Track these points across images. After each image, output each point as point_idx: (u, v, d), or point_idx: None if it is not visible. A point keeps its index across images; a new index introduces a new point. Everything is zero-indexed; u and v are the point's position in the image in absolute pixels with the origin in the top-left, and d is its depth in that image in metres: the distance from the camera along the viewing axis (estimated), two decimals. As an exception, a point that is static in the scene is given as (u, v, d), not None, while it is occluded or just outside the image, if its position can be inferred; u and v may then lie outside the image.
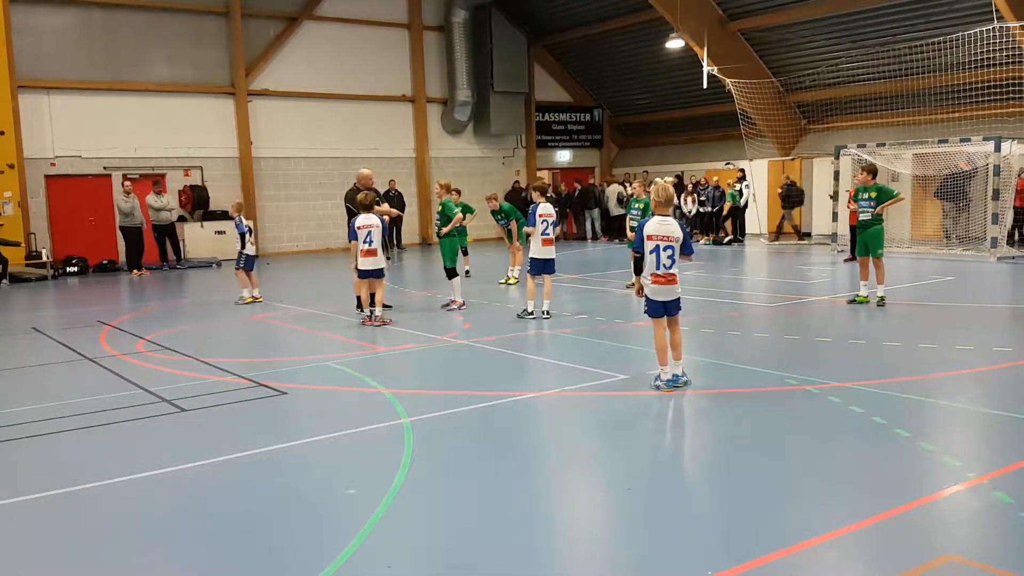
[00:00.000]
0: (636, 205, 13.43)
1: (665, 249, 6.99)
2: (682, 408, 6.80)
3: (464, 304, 11.92)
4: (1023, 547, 4.08)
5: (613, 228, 24.68)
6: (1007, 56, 16.62)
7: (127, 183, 19.62)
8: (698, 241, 21.99)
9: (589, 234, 25.70)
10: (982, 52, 16.72)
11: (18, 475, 5.62)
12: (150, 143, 21.10)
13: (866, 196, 11.30)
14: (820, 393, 6.91)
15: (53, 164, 20.05)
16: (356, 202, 10.94)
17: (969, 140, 17.27)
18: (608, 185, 25.87)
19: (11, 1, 18.94)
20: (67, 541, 4.53)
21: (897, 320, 10.36)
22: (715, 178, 23.56)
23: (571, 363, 8.40)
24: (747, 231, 23.03)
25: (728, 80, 21.23)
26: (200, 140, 21.86)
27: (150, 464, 5.60)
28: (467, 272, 15.63)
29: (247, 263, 13.39)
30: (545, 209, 10.80)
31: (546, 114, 28.05)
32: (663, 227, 7.01)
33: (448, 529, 4.52)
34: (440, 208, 12.44)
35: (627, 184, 24.00)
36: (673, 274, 7.04)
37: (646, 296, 7.16)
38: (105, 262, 19.81)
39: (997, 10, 16.26)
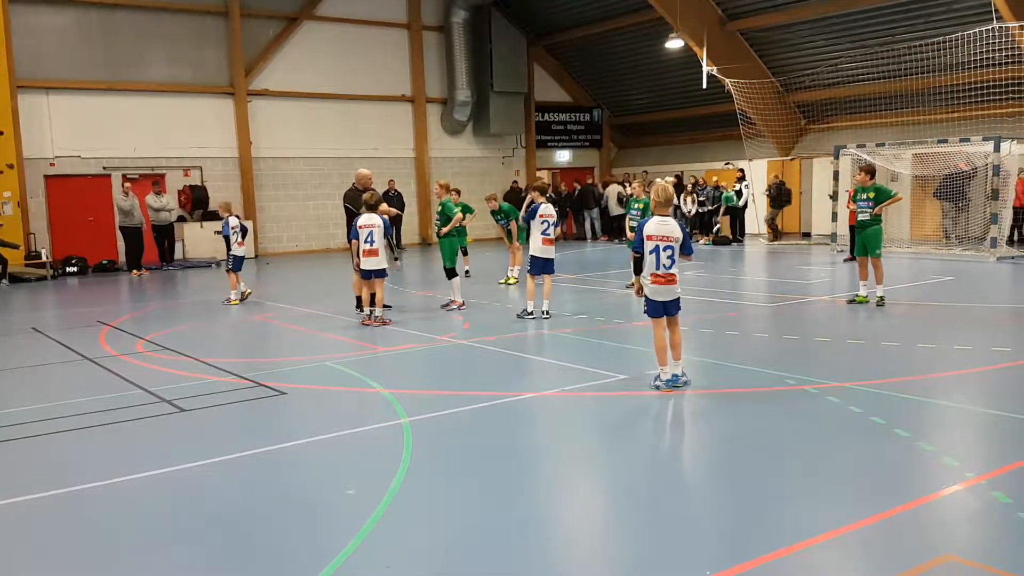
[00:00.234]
0: (636, 205, 13.44)
1: (665, 249, 6.99)
2: (681, 408, 6.81)
3: (464, 304, 11.92)
4: (1022, 547, 4.08)
5: (612, 228, 24.68)
6: (1006, 56, 16.63)
7: (126, 183, 19.63)
8: (697, 241, 21.99)
9: (588, 234, 25.70)
10: (981, 52, 16.73)
11: (18, 475, 5.62)
12: (149, 143, 21.10)
13: (864, 196, 11.31)
14: (819, 393, 6.91)
15: (52, 164, 20.05)
16: (357, 202, 10.95)
17: (968, 140, 17.28)
18: (607, 185, 25.88)
19: (11, 1, 18.94)
20: (67, 541, 4.53)
21: (896, 320, 10.36)
22: (715, 178, 23.57)
23: (571, 363, 8.40)
24: (747, 231, 23.03)
25: (727, 80, 21.23)
26: (200, 140, 21.86)
27: (150, 464, 5.60)
28: (467, 272, 15.63)
29: (234, 264, 13.44)
30: (546, 209, 10.80)
31: (545, 114, 28.06)
32: (663, 227, 7.01)
33: (447, 529, 4.52)
34: (440, 208, 12.44)
35: (626, 184, 24.01)
36: (673, 274, 7.05)
37: (646, 296, 7.16)
38: (105, 262, 19.83)
39: (996, 10, 16.27)
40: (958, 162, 18.22)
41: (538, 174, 27.31)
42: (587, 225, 25.76)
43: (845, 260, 16.58)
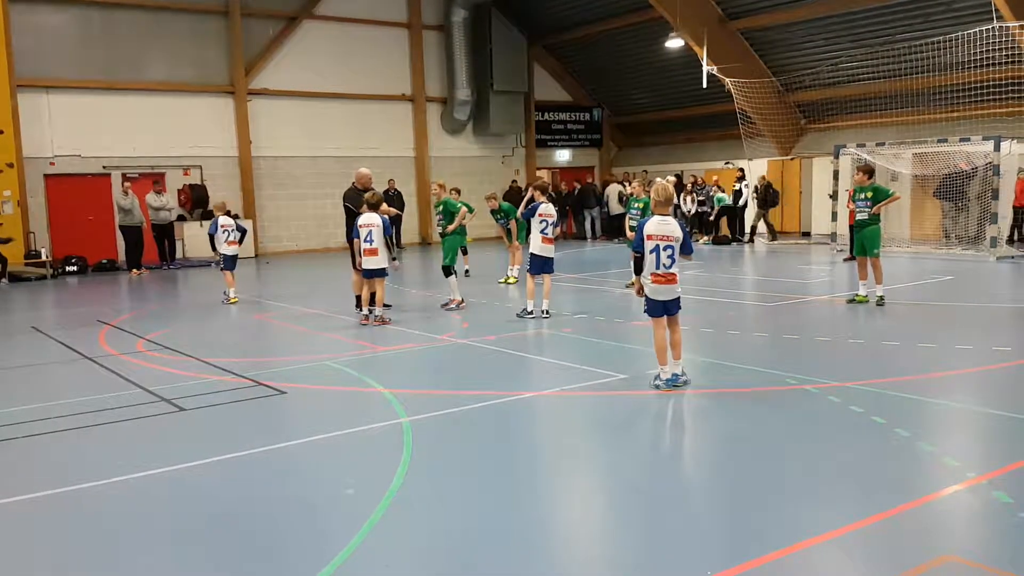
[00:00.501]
0: (636, 204, 13.44)
1: (665, 249, 6.99)
2: (682, 408, 6.80)
3: (463, 302, 11.91)
4: (1022, 547, 4.08)
5: (612, 227, 24.67)
6: (1006, 56, 16.63)
7: (126, 183, 19.63)
8: (697, 240, 21.99)
9: (588, 233, 25.70)
10: (981, 52, 16.73)
11: (17, 474, 5.62)
12: (149, 142, 21.08)
13: (863, 196, 11.33)
14: (819, 393, 6.91)
15: (52, 163, 20.03)
16: (356, 201, 10.94)
17: (969, 140, 17.27)
18: (608, 185, 25.88)
19: (10, 0, 18.93)
20: (66, 541, 4.52)
21: (896, 320, 10.36)
22: (715, 178, 23.57)
23: (571, 362, 8.40)
24: (746, 231, 23.00)
25: (727, 79, 21.23)
26: (199, 139, 21.85)
27: (150, 463, 5.59)
28: (467, 271, 15.63)
29: (225, 263, 13.52)
30: (546, 209, 10.79)
31: (545, 113, 28.05)
32: (663, 227, 7.01)
33: (447, 529, 4.52)
34: (440, 207, 12.35)
35: (626, 183, 24.00)
36: (673, 273, 7.04)
37: (646, 295, 7.16)
38: (104, 261, 19.82)
39: (996, 10, 16.26)
40: (958, 162, 18.21)
41: (538, 173, 27.29)
42: (587, 224, 25.76)
43: (845, 260, 16.56)
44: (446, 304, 12.01)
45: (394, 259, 10.85)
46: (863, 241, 11.23)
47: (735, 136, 22.81)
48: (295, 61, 23.16)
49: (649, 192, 9.43)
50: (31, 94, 19.49)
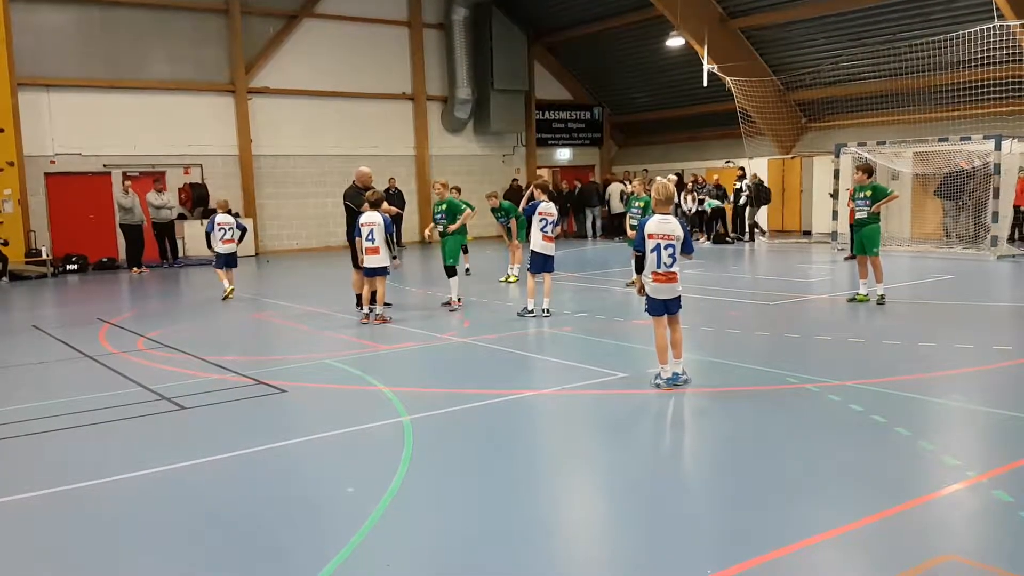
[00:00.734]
0: (636, 203, 13.43)
1: (666, 248, 6.98)
2: (682, 407, 6.80)
3: (460, 301, 11.86)
4: (1022, 546, 4.08)
5: (614, 226, 24.66)
6: (1007, 54, 16.62)
7: (127, 181, 19.62)
8: (698, 239, 21.98)
9: (589, 232, 25.69)
10: (982, 50, 16.73)
11: (17, 473, 5.62)
12: (150, 141, 21.09)
13: (862, 195, 11.34)
14: (820, 392, 6.91)
15: (53, 162, 20.04)
16: (357, 200, 10.94)
17: (969, 138, 17.26)
18: (609, 184, 25.88)
19: (11, -1, 18.96)
20: (66, 539, 4.52)
21: (897, 318, 10.35)
22: (715, 176, 23.56)
23: (571, 361, 8.40)
24: (745, 229, 22.99)
25: (728, 78, 21.23)
26: (200, 138, 21.85)
27: (150, 462, 5.59)
28: (467, 270, 15.63)
29: (216, 261, 13.67)
30: (546, 207, 10.79)
31: (546, 112, 28.05)
32: (664, 226, 7.01)
33: (447, 527, 4.52)
34: (444, 206, 12.19)
35: (627, 182, 24.00)
36: (674, 272, 7.04)
37: (647, 294, 7.16)
38: (105, 260, 19.83)
39: (997, 8, 16.26)
40: (960, 160, 18.20)
41: (538, 172, 27.29)
42: (588, 223, 25.76)
43: (846, 259, 16.55)
44: (446, 303, 11.98)
45: (395, 257, 10.85)
46: (863, 240, 11.24)
47: (736, 135, 22.80)
48: (295, 59, 23.16)
49: (650, 191, 9.43)
50: (32, 92, 19.49)
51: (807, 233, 23.32)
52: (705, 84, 21.34)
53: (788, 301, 12.00)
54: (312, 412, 7.04)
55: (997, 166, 16.68)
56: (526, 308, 10.87)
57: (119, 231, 19.70)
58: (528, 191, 13.71)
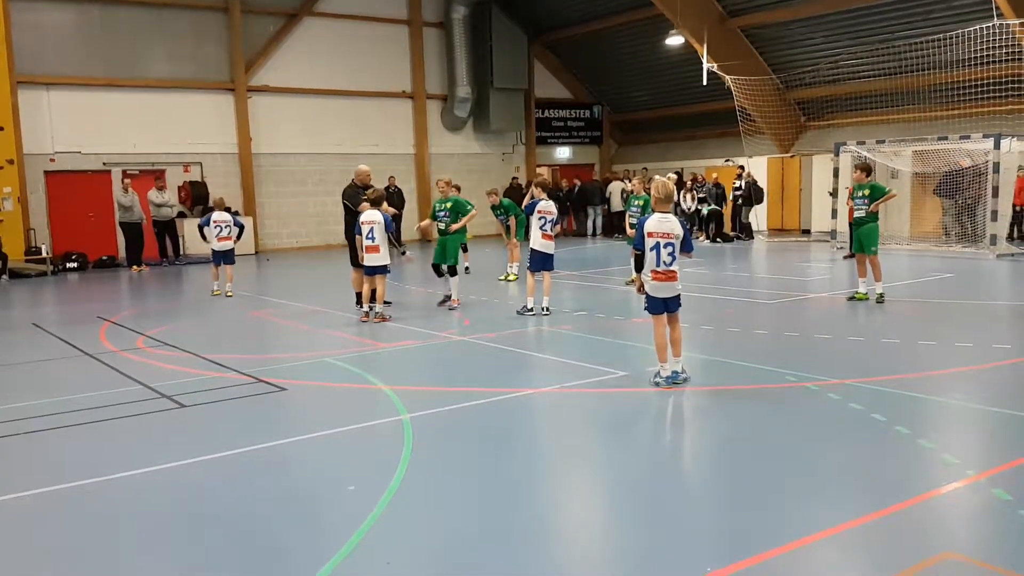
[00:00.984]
0: (636, 202, 13.43)
1: (666, 246, 6.99)
2: (681, 405, 6.81)
3: (449, 299, 11.80)
4: (1022, 545, 4.08)
5: (613, 225, 24.66)
6: (1007, 53, 16.61)
7: (126, 179, 19.61)
8: (697, 238, 21.98)
9: (590, 230, 25.69)
10: (982, 49, 16.72)
11: (17, 471, 5.62)
12: (150, 139, 21.09)
13: (860, 194, 11.36)
14: (819, 390, 6.91)
15: (52, 160, 20.04)
16: (356, 199, 10.94)
17: (969, 137, 17.27)
18: (609, 182, 25.87)
19: (11, -3, 18.95)
20: (65, 538, 4.53)
21: (896, 317, 10.36)
22: (715, 175, 23.56)
23: (571, 360, 8.41)
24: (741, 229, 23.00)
25: (728, 77, 21.23)
26: (200, 136, 21.85)
27: (149, 460, 5.60)
28: (467, 269, 15.62)
29: (214, 259, 13.72)
30: (545, 206, 10.80)
31: (546, 111, 28.04)
32: (663, 224, 7.01)
33: (447, 526, 4.53)
34: (449, 204, 12.07)
35: (627, 180, 23.99)
36: (673, 271, 7.05)
37: (646, 293, 7.16)
38: (104, 258, 19.83)
39: (997, 7, 16.25)
40: (960, 159, 18.20)
41: (538, 170, 27.27)
42: (589, 222, 25.76)
43: (845, 257, 16.56)
44: (445, 303, 11.94)
45: (404, 252, 10.91)
46: (861, 238, 11.25)
47: (735, 133, 22.80)
48: (295, 58, 23.15)
49: (649, 189, 9.44)
50: (31, 90, 19.48)
51: (806, 232, 23.32)
52: (704, 83, 21.33)
53: (787, 300, 12.00)
54: (312, 410, 7.05)
55: (996, 165, 16.68)
56: (525, 306, 10.87)
57: (119, 229, 19.69)
58: (529, 192, 13.69)
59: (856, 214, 11.39)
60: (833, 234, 19.39)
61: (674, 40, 22.04)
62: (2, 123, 18.43)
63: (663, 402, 6.85)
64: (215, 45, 22.09)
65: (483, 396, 7.07)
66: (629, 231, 13.05)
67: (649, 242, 7.03)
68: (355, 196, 11.13)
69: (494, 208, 14.99)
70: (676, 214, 11.15)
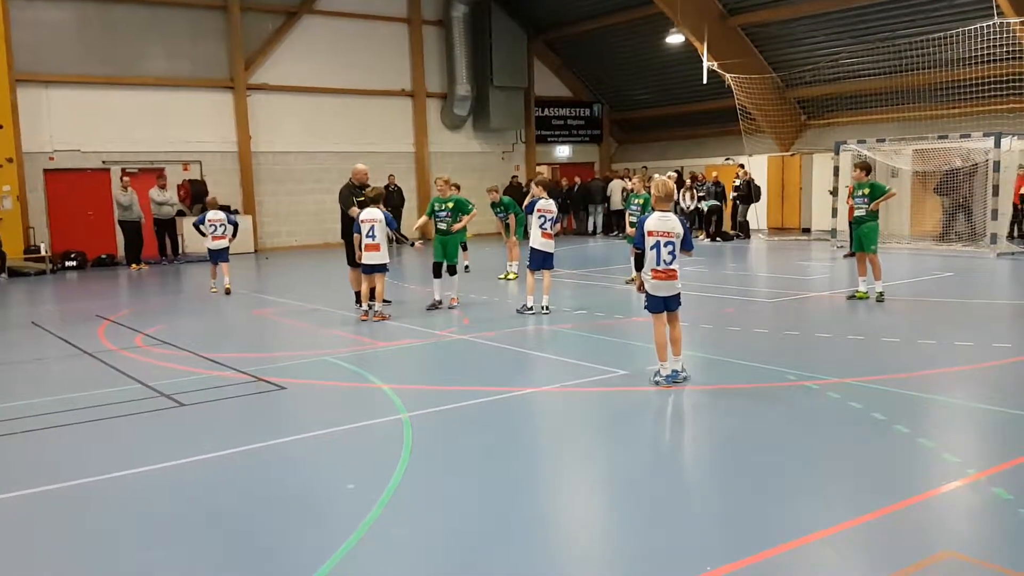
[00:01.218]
0: (636, 201, 13.42)
1: (666, 245, 6.98)
2: (681, 404, 6.80)
3: (443, 301, 11.65)
4: (1022, 544, 4.08)
5: (613, 223, 24.65)
6: (1007, 52, 16.61)
7: (125, 178, 19.60)
8: (697, 237, 21.96)
9: (591, 229, 25.67)
10: (982, 48, 16.71)
11: (15, 470, 5.61)
12: (149, 137, 21.07)
13: (860, 193, 11.35)
14: (819, 389, 6.91)
15: (52, 158, 20.02)
16: (348, 201, 11.00)
17: (969, 136, 17.26)
18: (610, 181, 25.85)
19: (10, -5, 18.92)
20: (64, 537, 4.52)
21: (896, 316, 10.35)
22: (714, 174, 23.54)
23: (571, 359, 8.40)
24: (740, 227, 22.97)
25: (728, 75, 21.22)
26: (199, 135, 21.83)
27: (148, 459, 5.59)
28: (467, 267, 15.61)
29: (211, 256, 13.80)
30: (544, 204, 10.78)
31: (545, 109, 28.02)
32: (664, 223, 7.00)
33: (447, 525, 4.52)
34: (451, 203, 11.94)
35: (626, 179, 23.97)
36: (673, 270, 7.04)
37: (646, 291, 7.15)
38: (104, 256, 19.81)
39: (997, 6, 16.24)
40: (952, 159, 18.20)
41: (538, 169, 27.26)
42: (590, 221, 25.74)
43: (845, 256, 16.54)
44: (435, 307, 11.70)
45: (412, 243, 10.97)
46: (861, 237, 11.24)
47: (735, 132, 22.79)
48: (294, 56, 23.13)
49: (649, 188, 9.42)
50: (30, 89, 19.46)
51: (806, 230, 23.31)
52: (705, 81, 21.32)
53: (787, 298, 12.00)
54: (311, 409, 7.04)
55: (997, 163, 16.67)
56: (525, 305, 10.86)
57: (118, 228, 19.67)
58: (530, 192, 13.66)
59: (856, 213, 11.38)
60: (833, 233, 19.38)
61: (674, 38, 22.03)
62: (1, 121, 18.41)
63: (663, 401, 6.85)
64: (214, 43, 22.06)
65: (483, 395, 7.06)
66: (629, 229, 13.03)
67: (649, 241, 7.02)
68: (348, 198, 11.11)
69: (494, 205, 14.97)
70: (676, 213, 11.14)
